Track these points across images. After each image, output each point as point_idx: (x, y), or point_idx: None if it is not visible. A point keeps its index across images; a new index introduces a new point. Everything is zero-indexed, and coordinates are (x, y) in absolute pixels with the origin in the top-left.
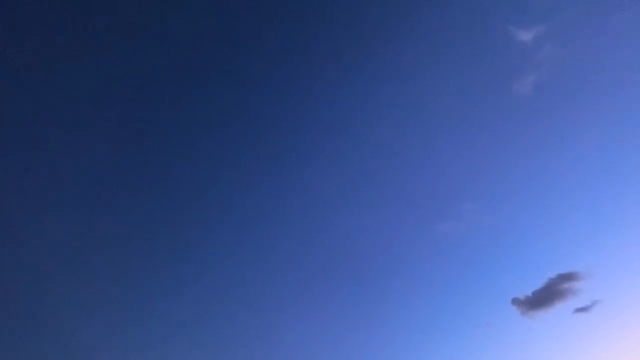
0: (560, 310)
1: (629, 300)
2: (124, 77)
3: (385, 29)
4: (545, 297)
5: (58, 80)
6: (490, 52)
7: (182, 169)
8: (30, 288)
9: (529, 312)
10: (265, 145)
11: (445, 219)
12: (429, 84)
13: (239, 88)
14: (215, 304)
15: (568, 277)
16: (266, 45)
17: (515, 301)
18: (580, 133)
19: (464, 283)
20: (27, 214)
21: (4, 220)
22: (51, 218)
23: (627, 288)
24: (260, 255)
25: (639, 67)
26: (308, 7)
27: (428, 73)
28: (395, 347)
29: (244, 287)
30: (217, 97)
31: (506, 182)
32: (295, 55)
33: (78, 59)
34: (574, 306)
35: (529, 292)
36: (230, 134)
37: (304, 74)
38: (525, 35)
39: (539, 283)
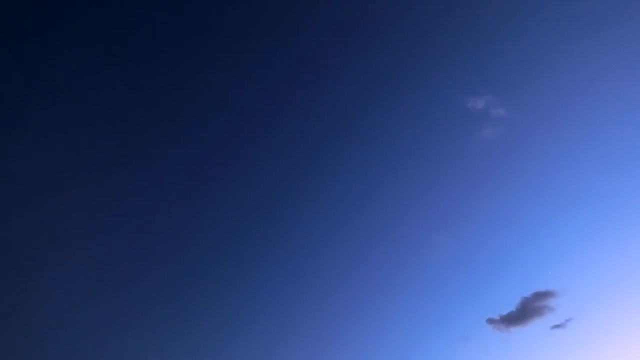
0: (537, 327)
1: (601, 317)
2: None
3: (368, 97)
4: (519, 316)
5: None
6: (451, 113)
7: (191, 173)
8: (32, 289)
9: (508, 329)
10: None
11: (422, 248)
12: (407, 138)
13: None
14: (215, 306)
15: (543, 295)
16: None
17: (491, 321)
18: (543, 160)
19: (444, 307)
20: (30, 213)
21: (7, 221)
22: (53, 218)
23: (599, 306)
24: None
25: (579, 121)
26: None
27: (405, 132)
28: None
29: (243, 290)
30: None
31: (478, 211)
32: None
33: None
34: (550, 323)
35: (504, 312)
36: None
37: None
38: (479, 102)
39: (513, 304)
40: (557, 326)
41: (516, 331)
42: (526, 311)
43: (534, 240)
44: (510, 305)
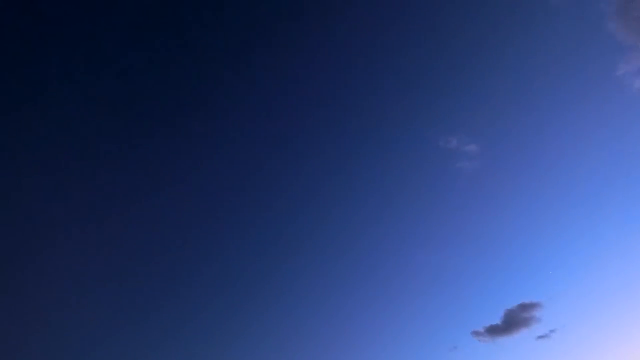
0: (523, 337)
1: (585, 327)
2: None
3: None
4: (503, 328)
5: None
6: (431, 149)
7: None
8: (33, 288)
9: (493, 339)
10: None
11: (410, 265)
12: (397, 170)
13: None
14: (218, 310)
15: (528, 306)
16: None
17: (477, 333)
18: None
19: (432, 320)
20: (32, 213)
21: (8, 220)
22: (55, 217)
23: (583, 317)
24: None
25: (545, 148)
26: None
27: (393, 166)
28: None
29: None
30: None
31: (462, 229)
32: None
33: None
34: (535, 334)
35: (488, 324)
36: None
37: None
38: (452, 141)
39: (497, 316)
40: (541, 337)
41: (502, 341)
42: (511, 322)
43: (518, 255)
44: (495, 317)
